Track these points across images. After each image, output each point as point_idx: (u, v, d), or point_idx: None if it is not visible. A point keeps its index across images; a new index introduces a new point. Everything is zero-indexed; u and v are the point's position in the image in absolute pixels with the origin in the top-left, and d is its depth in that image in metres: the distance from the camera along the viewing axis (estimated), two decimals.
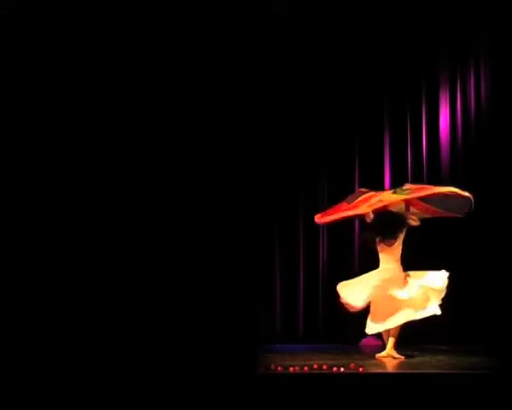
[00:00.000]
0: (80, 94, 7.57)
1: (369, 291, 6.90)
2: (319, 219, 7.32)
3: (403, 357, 6.84)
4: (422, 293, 6.85)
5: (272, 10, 8.18)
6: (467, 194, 7.01)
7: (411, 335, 7.59)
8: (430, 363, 6.54)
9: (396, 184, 7.84)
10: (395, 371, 6.30)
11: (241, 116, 8.09)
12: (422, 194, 7.07)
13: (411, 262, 7.34)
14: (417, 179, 8.52)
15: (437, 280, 6.93)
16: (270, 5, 8.15)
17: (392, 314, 6.82)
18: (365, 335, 7.33)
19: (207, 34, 7.97)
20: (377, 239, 7.08)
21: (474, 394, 5.49)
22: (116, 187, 7.59)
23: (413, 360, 6.75)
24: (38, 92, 7.48)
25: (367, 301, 6.90)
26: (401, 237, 7.09)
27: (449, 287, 7.62)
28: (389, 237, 7.05)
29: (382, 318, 6.86)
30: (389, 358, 6.82)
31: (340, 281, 7.16)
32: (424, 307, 6.84)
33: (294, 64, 8.42)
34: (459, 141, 8.63)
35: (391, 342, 6.93)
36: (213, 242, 7.75)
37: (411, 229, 7.67)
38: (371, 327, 6.95)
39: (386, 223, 7.08)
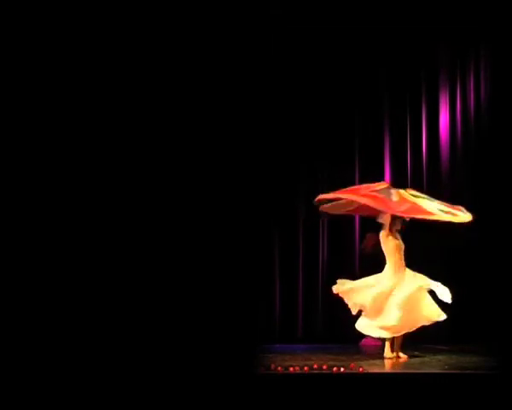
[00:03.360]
0: (80, 94, 7.56)
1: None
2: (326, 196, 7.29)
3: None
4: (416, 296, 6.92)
5: (270, 9, 8.16)
6: (467, 219, 7.01)
7: (411, 335, 7.61)
8: (430, 363, 6.54)
9: (396, 185, 7.85)
10: (395, 371, 6.31)
11: (239, 118, 8.08)
12: (424, 217, 7.01)
13: (411, 261, 7.35)
14: (417, 180, 8.54)
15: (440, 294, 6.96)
16: (267, 4, 8.13)
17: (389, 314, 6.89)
18: (365, 335, 7.35)
19: (205, 33, 7.96)
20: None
21: (474, 394, 5.48)
22: (114, 192, 7.57)
23: (413, 360, 6.75)
24: (38, 92, 7.47)
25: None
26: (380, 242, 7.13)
27: (449, 287, 7.64)
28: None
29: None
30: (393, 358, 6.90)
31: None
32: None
33: (294, 65, 8.42)
34: (459, 141, 8.63)
35: (387, 344, 7.01)
36: (213, 242, 7.74)
37: (412, 229, 7.69)
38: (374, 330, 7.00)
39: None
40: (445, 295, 6.87)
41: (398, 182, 8.27)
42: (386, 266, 7.09)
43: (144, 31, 7.71)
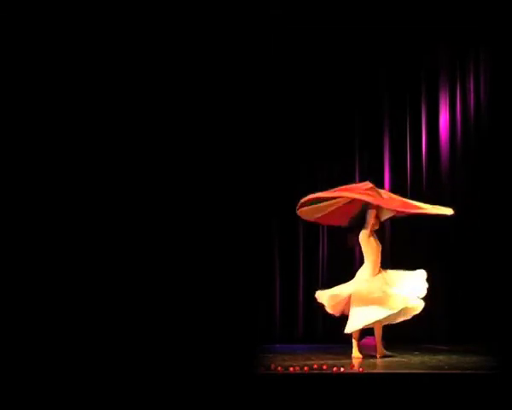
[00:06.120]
0: (80, 94, 7.56)
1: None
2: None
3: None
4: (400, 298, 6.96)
5: (270, 9, 8.16)
6: (447, 213, 7.06)
7: (411, 335, 7.61)
8: (430, 363, 6.54)
9: (396, 185, 7.87)
10: (395, 371, 6.30)
11: (239, 119, 8.07)
12: (410, 211, 7.11)
13: (410, 262, 7.35)
14: (417, 179, 8.55)
15: (416, 289, 6.98)
16: (267, 4, 8.13)
17: (368, 311, 6.91)
18: (365, 335, 7.35)
19: (205, 33, 7.96)
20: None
21: (474, 394, 5.48)
22: (113, 187, 7.56)
23: (413, 360, 6.75)
24: (38, 92, 7.47)
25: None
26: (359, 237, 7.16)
27: (449, 287, 7.66)
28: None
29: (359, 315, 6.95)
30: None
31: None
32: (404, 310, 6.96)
33: (294, 65, 8.42)
34: (459, 141, 8.64)
35: (378, 344, 7.03)
36: (213, 242, 7.73)
37: (411, 228, 7.70)
38: (349, 326, 7.02)
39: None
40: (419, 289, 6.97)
41: (398, 182, 8.29)
42: (365, 266, 7.13)
43: (144, 31, 7.71)
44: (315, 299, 8.40)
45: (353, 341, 7.06)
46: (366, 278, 7.04)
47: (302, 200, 7.27)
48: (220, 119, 7.91)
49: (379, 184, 8.26)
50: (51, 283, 7.10)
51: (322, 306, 7.31)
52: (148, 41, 7.73)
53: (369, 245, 7.11)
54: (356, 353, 7.00)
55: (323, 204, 7.28)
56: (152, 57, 7.74)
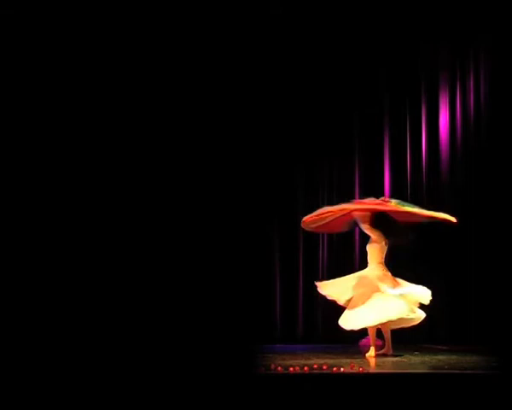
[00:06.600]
0: (80, 94, 7.56)
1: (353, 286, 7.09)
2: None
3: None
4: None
5: (270, 9, 8.16)
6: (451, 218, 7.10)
7: (411, 335, 7.61)
8: (430, 363, 6.54)
9: (396, 185, 7.86)
10: (395, 371, 6.30)
11: (238, 119, 8.07)
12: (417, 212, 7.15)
13: (410, 261, 7.35)
14: (417, 180, 8.54)
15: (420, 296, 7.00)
16: (267, 4, 8.13)
17: (375, 310, 6.92)
18: (365, 335, 7.36)
19: (204, 33, 7.96)
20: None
21: (474, 394, 5.48)
22: (113, 188, 7.56)
23: (413, 360, 6.75)
24: (38, 92, 7.46)
25: (351, 294, 7.07)
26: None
27: (449, 287, 7.65)
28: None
29: (365, 313, 6.97)
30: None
31: None
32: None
33: (294, 65, 8.42)
34: (459, 141, 8.64)
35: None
36: (213, 242, 7.73)
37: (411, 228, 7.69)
38: (350, 322, 7.01)
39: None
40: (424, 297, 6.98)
41: (398, 182, 8.29)
42: (381, 268, 7.13)
43: (144, 31, 7.71)
44: (315, 299, 8.44)
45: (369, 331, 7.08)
46: (380, 274, 7.07)
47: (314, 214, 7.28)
48: (219, 119, 7.91)
49: (379, 183, 8.29)
50: (51, 282, 7.10)
51: (322, 298, 7.31)
52: (147, 41, 7.73)
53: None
54: (371, 352, 7.02)
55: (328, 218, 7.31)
56: (151, 57, 7.74)
